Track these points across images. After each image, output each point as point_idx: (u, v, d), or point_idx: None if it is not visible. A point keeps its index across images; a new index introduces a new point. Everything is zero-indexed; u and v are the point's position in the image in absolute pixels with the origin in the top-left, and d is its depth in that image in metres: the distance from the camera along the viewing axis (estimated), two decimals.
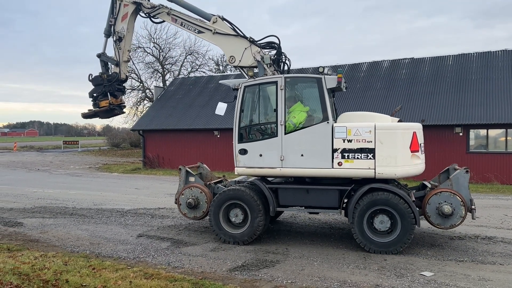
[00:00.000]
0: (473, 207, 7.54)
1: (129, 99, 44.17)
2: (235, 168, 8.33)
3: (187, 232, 9.16)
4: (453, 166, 8.58)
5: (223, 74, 34.47)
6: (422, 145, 7.82)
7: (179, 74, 41.67)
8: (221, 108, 8.85)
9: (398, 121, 8.18)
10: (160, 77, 42.79)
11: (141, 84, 42.88)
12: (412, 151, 7.50)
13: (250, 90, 8.28)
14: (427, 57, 22.15)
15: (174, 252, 7.63)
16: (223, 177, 9.91)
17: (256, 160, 8.10)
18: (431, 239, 8.53)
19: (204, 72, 42.54)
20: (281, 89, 7.91)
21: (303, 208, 8.22)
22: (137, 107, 42.96)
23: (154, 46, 41.73)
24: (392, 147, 7.40)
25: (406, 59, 22.68)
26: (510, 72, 19.25)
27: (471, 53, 21.20)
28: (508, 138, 17.83)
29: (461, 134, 18.30)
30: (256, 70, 8.68)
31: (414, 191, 8.28)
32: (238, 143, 8.25)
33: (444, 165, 9.80)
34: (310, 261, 7.10)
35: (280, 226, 9.70)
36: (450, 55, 21.60)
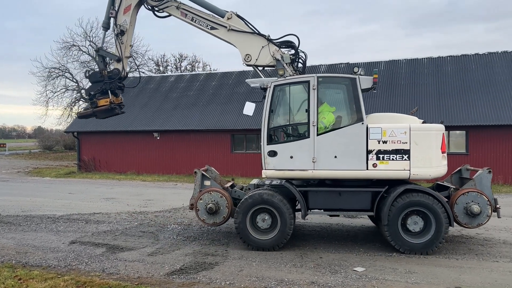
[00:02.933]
0: (498, 206, 7.68)
1: (62, 100, 42.13)
2: (263, 170, 7.91)
3: (123, 237, 8.89)
4: (465, 167, 8.73)
5: (163, 74, 33.85)
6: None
7: None
8: (249, 107, 8.36)
9: (422, 123, 8.16)
10: None
11: (76, 84, 40.99)
12: (442, 152, 7.61)
13: (279, 89, 7.98)
14: (361, 62, 23.22)
15: (109, 258, 7.37)
16: (232, 180, 9.59)
17: (287, 162, 7.77)
18: (364, 236, 8.96)
19: (143, 72, 41.48)
20: (314, 89, 7.69)
21: (322, 210, 8.05)
22: (71, 108, 41.01)
23: (90, 44, 40.05)
24: (427, 148, 7.44)
25: (342, 63, 23.64)
26: (434, 78, 20.74)
27: (400, 60, 22.56)
28: None
29: None
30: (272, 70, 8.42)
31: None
32: (267, 144, 7.87)
33: None
34: (249, 261, 7.17)
35: (221, 228, 9.70)
36: (382, 61, 22.83)
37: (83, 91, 40.54)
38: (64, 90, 40.74)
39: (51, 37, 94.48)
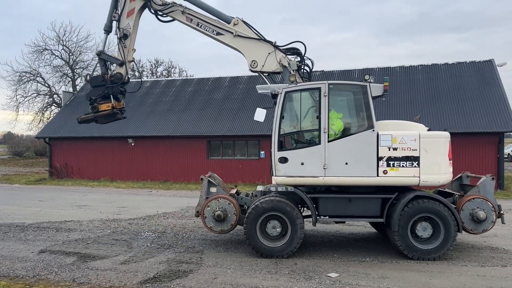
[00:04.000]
0: (502, 212, 7.84)
1: (34, 105, 41.11)
2: (274, 177, 7.85)
3: (96, 245, 8.70)
4: (465, 174, 8.84)
5: (138, 80, 33.46)
6: None
7: None
8: (260, 113, 8.28)
9: (427, 130, 8.21)
10: (69, 81, 40.35)
11: (48, 89, 40.10)
12: (449, 159, 7.70)
13: (290, 96, 7.95)
14: (336, 70, 23.60)
15: (80, 267, 7.20)
16: (235, 187, 9.45)
17: (298, 168, 7.72)
18: (338, 242, 9.06)
19: None
20: (325, 96, 7.72)
21: (327, 217, 8.02)
22: (43, 113, 40.04)
23: (63, 49, 39.30)
24: (436, 155, 7.56)
25: (317, 71, 23.90)
26: (406, 86, 21.26)
27: (374, 68, 23.03)
28: None
29: None
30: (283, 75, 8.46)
31: None
32: (278, 151, 7.82)
33: None
34: (223, 269, 7.14)
35: (196, 235, 9.63)
36: (356, 69, 23.24)
37: (55, 95, 39.75)
38: (35, 94, 39.85)
39: (22, 40, 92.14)
